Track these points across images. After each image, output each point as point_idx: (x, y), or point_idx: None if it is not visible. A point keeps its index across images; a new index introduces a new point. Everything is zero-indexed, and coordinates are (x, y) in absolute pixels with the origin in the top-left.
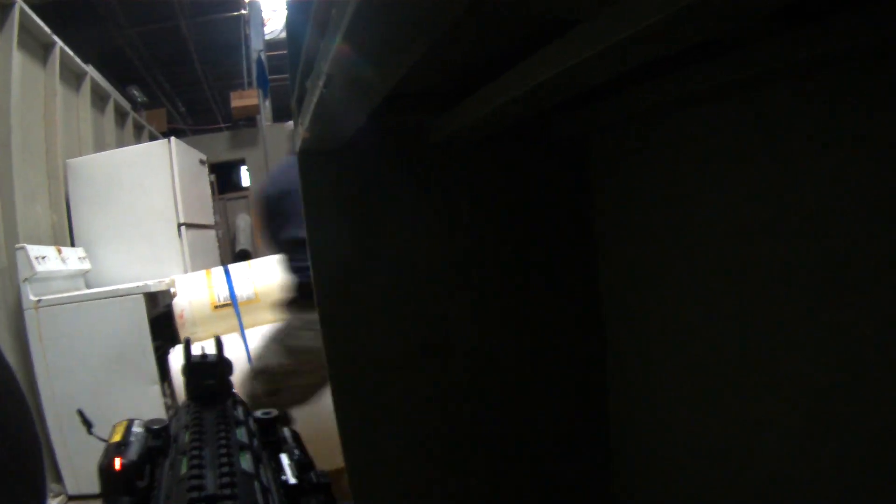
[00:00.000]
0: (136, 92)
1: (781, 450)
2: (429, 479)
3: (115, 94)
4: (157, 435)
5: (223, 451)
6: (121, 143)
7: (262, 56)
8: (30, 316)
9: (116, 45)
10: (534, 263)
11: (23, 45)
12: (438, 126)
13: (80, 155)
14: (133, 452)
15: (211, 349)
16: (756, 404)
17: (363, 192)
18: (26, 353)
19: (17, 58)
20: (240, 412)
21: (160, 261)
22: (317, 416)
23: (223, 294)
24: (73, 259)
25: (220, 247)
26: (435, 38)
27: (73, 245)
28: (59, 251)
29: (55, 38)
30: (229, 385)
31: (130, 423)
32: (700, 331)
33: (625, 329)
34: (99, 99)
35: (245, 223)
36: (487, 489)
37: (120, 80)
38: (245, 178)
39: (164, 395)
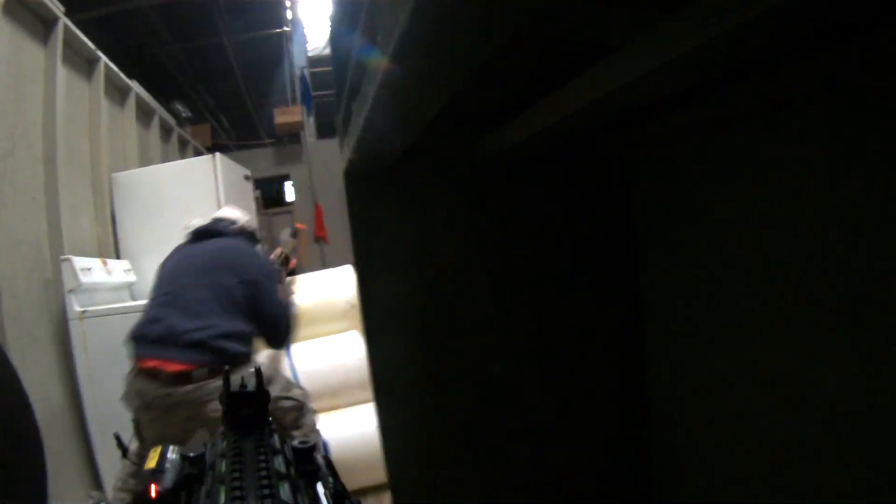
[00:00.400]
0: (180, 107)
1: (813, 465)
2: (470, 488)
3: (159, 110)
4: (194, 462)
5: (264, 480)
6: (165, 158)
7: (306, 73)
8: (74, 326)
9: (160, 61)
10: (579, 279)
11: (67, 60)
12: (484, 146)
13: (126, 169)
14: (168, 479)
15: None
16: (790, 418)
17: (409, 212)
18: (70, 363)
19: (62, 73)
20: (276, 441)
21: None
22: (358, 437)
23: None
24: (118, 271)
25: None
26: (480, 62)
27: (118, 257)
28: (105, 263)
29: (99, 53)
30: (266, 415)
31: (165, 448)
32: (736, 344)
33: (665, 342)
34: (144, 114)
35: (289, 238)
36: (528, 496)
37: (164, 95)
38: (289, 193)
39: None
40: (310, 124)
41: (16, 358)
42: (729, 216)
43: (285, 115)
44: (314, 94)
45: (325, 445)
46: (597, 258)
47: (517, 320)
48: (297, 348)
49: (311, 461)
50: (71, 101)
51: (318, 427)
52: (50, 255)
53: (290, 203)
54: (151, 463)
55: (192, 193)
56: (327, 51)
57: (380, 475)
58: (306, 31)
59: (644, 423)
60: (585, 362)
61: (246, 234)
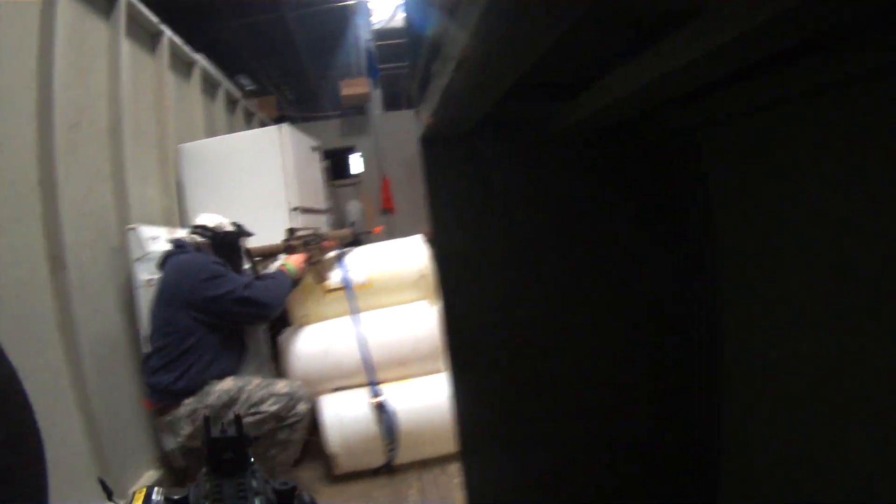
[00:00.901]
0: (244, 80)
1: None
2: (541, 465)
3: (225, 82)
4: None
5: None
6: (231, 130)
7: (371, 45)
8: (140, 294)
9: (223, 36)
10: (649, 254)
11: (131, 34)
12: (559, 116)
13: (192, 140)
14: None
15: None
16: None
17: (483, 179)
18: (136, 331)
19: (126, 46)
20: (257, 483)
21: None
22: (426, 408)
23: (337, 278)
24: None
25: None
26: (559, 33)
27: (184, 227)
28: (172, 232)
29: (163, 27)
30: (247, 458)
31: (150, 490)
32: (817, 329)
33: (740, 320)
34: (209, 86)
35: (356, 209)
36: (592, 476)
37: (228, 69)
38: (356, 164)
39: (274, 373)
40: (376, 96)
41: (83, 325)
42: (809, 192)
43: (352, 87)
44: (379, 66)
45: (392, 415)
46: (668, 234)
47: (587, 286)
48: (366, 318)
49: (290, 502)
50: (136, 75)
51: (311, 408)
52: (116, 225)
53: (357, 175)
54: None
55: (258, 164)
56: (392, 23)
57: (446, 447)
58: (370, 5)
59: (716, 392)
60: (656, 339)
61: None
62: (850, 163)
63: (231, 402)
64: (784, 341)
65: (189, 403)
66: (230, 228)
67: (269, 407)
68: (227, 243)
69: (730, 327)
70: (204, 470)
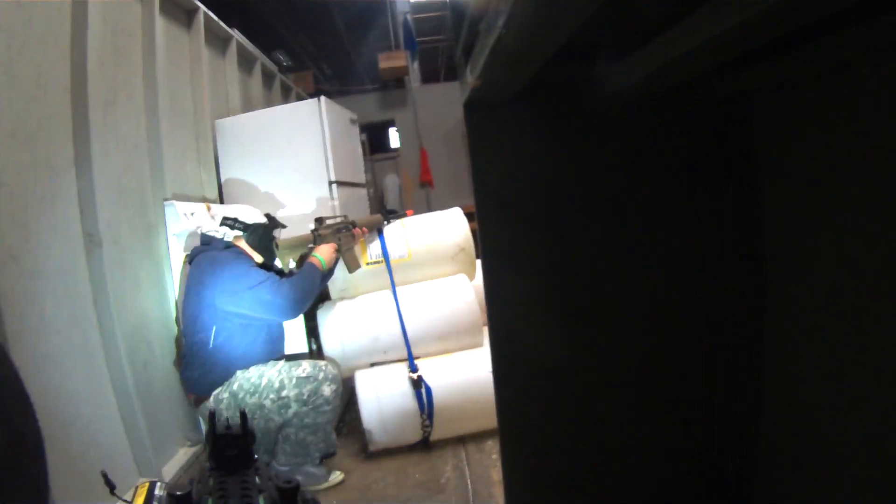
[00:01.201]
0: (280, 56)
1: None
2: (579, 445)
3: (261, 57)
4: (180, 501)
5: None
6: (268, 104)
7: (409, 18)
8: (177, 269)
9: (259, 11)
10: (696, 224)
11: (165, 11)
12: (606, 80)
13: (229, 115)
14: None
15: None
16: None
17: (529, 145)
18: (171, 307)
19: (161, 23)
20: (261, 481)
21: (311, 218)
22: (464, 384)
23: (375, 251)
24: (221, 215)
25: (370, 206)
26: None
27: (222, 202)
28: (209, 208)
29: (198, 3)
30: (251, 455)
31: (153, 485)
32: (867, 310)
33: (787, 299)
34: (245, 62)
35: (394, 183)
36: (625, 462)
37: (264, 45)
38: (393, 138)
39: (311, 349)
40: (414, 69)
41: (119, 300)
42: (864, 163)
43: (390, 60)
44: (417, 39)
45: (429, 391)
46: (716, 203)
47: (632, 260)
48: (404, 292)
49: (294, 500)
50: (171, 51)
51: (337, 389)
52: (153, 200)
53: (396, 149)
54: (139, 500)
55: (297, 137)
56: None
57: (483, 423)
58: None
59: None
60: (698, 312)
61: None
62: None
63: (254, 389)
64: (829, 329)
65: (218, 393)
66: (262, 220)
67: (290, 391)
68: (259, 236)
69: (775, 311)
70: (208, 466)
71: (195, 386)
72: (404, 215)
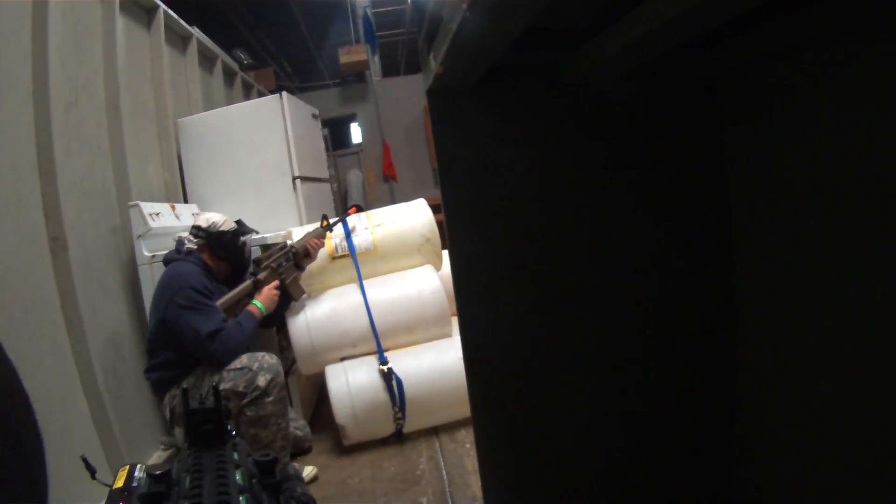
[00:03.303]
0: (241, 54)
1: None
2: (552, 431)
3: (222, 55)
4: (159, 480)
5: (223, 495)
6: (230, 103)
7: (369, 12)
8: (144, 271)
9: (219, 9)
10: (664, 207)
11: (125, 10)
12: (570, 64)
13: (191, 114)
14: (135, 498)
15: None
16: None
17: (493, 131)
18: (141, 308)
19: (121, 22)
20: (238, 455)
21: (275, 214)
22: (434, 375)
23: (341, 246)
24: (186, 215)
25: (335, 200)
26: None
27: (186, 202)
28: (173, 208)
29: (157, 1)
30: (226, 430)
31: (133, 468)
32: (838, 293)
33: (755, 275)
34: (206, 60)
35: (357, 179)
36: (598, 446)
37: (225, 44)
38: (356, 134)
39: (281, 346)
40: (375, 63)
41: (86, 305)
42: (832, 143)
43: (350, 55)
44: (377, 34)
45: (399, 382)
46: (685, 184)
47: (599, 244)
48: (371, 284)
49: (272, 473)
50: (132, 50)
51: (274, 378)
52: (117, 202)
53: (358, 144)
54: (119, 482)
55: (259, 134)
56: None
57: (454, 413)
58: None
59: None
60: (668, 296)
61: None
62: (874, 115)
63: (199, 382)
64: (797, 301)
65: (170, 392)
66: (226, 228)
67: (225, 384)
68: (222, 245)
69: (744, 289)
70: (186, 444)
71: (154, 387)
72: (347, 215)
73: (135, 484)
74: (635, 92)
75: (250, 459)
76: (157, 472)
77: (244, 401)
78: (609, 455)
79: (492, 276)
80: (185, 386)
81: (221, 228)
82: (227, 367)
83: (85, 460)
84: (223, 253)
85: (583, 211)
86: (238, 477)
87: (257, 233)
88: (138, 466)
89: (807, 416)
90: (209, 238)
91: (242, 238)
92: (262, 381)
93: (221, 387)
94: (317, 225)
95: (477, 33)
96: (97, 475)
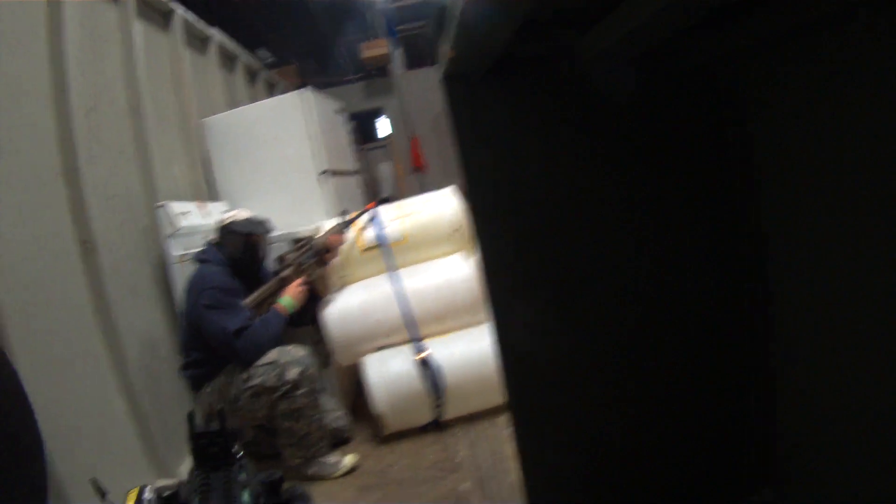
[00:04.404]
0: (264, 53)
1: None
2: (589, 413)
3: (243, 54)
4: (168, 501)
5: None
6: (253, 101)
7: (388, 6)
8: (175, 270)
9: (239, 10)
10: (687, 191)
11: (142, 14)
12: (584, 47)
13: (214, 114)
14: None
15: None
16: None
17: (510, 116)
18: (173, 307)
19: (138, 27)
20: (245, 476)
21: (304, 208)
22: (469, 361)
23: (371, 236)
24: (215, 213)
25: (364, 193)
26: None
27: (215, 200)
28: (202, 206)
29: (173, 5)
30: (231, 451)
31: (142, 489)
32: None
33: (786, 261)
34: (227, 59)
35: (387, 172)
36: (639, 432)
37: (246, 44)
38: (383, 127)
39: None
40: (397, 56)
41: (118, 307)
42: (853, 124)
43: (372, 49)
44: (398, 28)
45: (436, 370)
46: (706, 170)
47: (618, 231)
48: (403, 274)
49: (278, 492)
50: (151, 54)
51: (305, 370)
52: (144, 204)
53: (386, 137)
54: (129, 503)
55: (283, 130)
56: None
57: (493, 399)
58: None
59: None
60: (693, 283)
61: (219, 244)
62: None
63: (228, 382)
64: (831, 300)
65: (204, 388)
66: (237, 220)
67: (255, 380)
68: (235, 242)
69: (777, 267)
70: (194, 465)
71: (189, 383)
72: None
73: None
74: (653, 74)
75: (256, 480)
76: (167, 493)
77: (276, 395)
78: (645, 437)
79: (517, 264)
80: (214, 385)
81: (230, 221)
82: (256, 364)
83: (95, 483)
84: (238, 250)
85: (608, 199)
86: (245, 497)
87: (270, 230)
88: (147, 488)
89: (848, 393)
90: (222, 235)
91: (249, 231)
92: (292, 374)
93: (252, 382)
94: (338, 220)
95: (480, 19)
96: (109, 495)
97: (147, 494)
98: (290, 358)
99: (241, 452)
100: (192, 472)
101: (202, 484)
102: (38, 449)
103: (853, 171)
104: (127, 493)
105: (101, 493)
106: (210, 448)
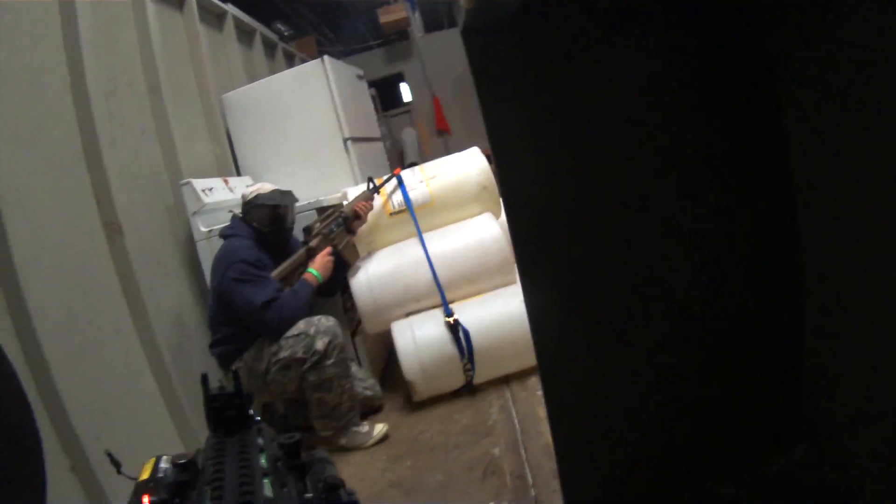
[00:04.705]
0: (280, 26)
1: None
2: (616, 378)
3: (260, 28)
4: (184, 469)
5: (244, 479)
6: (273, 73)
7: None
8: (202, 247)
9: None
10: (716, 142)
11: None
12: None
13: (234, 89)
14: (161, 489)
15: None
16: None
17: (533, 67)
18: (202, 284)
19: (152, 8)
20: (262, 440)
21: (330, 177)
22: (500, 323)
23: (398, 200)
24: (240, 188)
25: (389, 159)
26: None
27: (239, 174)
28: (226, 182)
29: None
30: (249, 415)
31: (159, 459)
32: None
33: (820, 225)
34: (244, 34)
35: (411, 137)
36: (670, 396)
37: (263, 18)
38: (405, 92)
39: (345, 307)
40: (416, 19)
41: (147, 286)
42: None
43: (390, 14)
44: None
45: (466, 333)
46: (733, 114)
47: (644, 185)
48: (431, 237)
49: (297, 456)
50: (167, 34)
51: (332, 340)
52: (169, 182)
53: (408, 103)
54: (145, 474)
55: (305, 100)
56: None
57: (524, 360)
58: None
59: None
60: (730, 235)
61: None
62: None
63: (257, 357)
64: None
65: (234, 364)
66: (262, 192)
67: (284, 352)
68: (262, 215)
69: (807, 226)
70: (210, 430)
71: (219, 360)
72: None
73: (161, 474)
74: (678, 20)
75: (275, 443)
76: (183, 461)
77: (305, 366)
78: (678, 401)
79: (549, 222)
80: (245, 359)
81: (254, 195)
82: (285, 336)
83: (109, 454)
84: (262, 223)
85: (640, 148)
86: (262, 461)
87: (295, 201)
88: (164, 457)
89: (880, 349)
90: (244, 209)
91: (275, 203)
92: (320, 344)
93: (281, 355)
94: (364, 187)
95: None
96: (123, 469)
97: (163, 463)
98: (318, 328)
99: (259, 416)
100: (208, 438)
101: (217, 449)
102: (36, 449)
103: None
104: (143, 464)
105: (117, 466)
106: (225, 411)
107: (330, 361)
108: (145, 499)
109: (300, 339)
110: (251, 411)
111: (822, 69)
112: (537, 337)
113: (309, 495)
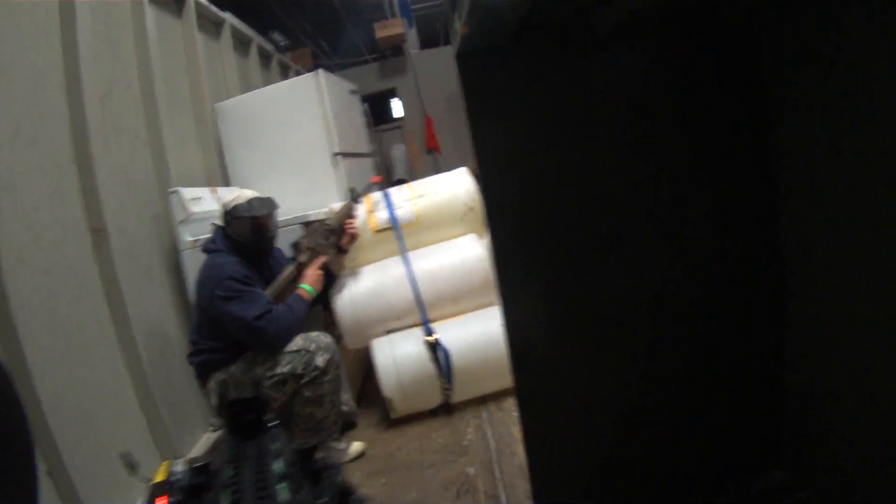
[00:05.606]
0: (277, 36)
1: None
2: (592, 399)
3: (257, 38)
4: (200, 471)
5: (261, 483)
6: (267, 84)
7: None
8: (187, 256)
9: None
10: (705, 159)
11: (154, 0)
12: (601, 17)
13: (228, 98)
14: (176, 491)
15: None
16: None
17: (525, 93)
18: (185, 293)
19: (151, 13)
20: (279, 444)
21: (317, 191)
22: (481, 343)
23: (384, 218)
24: (228, 198)
25: (377, 174)
26: None
27: (228, 185)
28: (214, 191)
29: None
30: (264, 420)
31: (174, 461)
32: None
33: (802, 234)
34: (241, 43)
35: (401, 153)
36: (642, 408)
37: (260, 27)
38: (397, 108)
39: (326, 322)
40: (412, 36)
41: (130, 293)
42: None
43: (386, 29)
44: (413, 7)
45: (446, 353)
46: (724, 138)
47: (641, 196)
48: (415, 256)
49: (310, 458)
50: (164, 40)
51: (332, 358)
52: (158, 189)
53: (400, 118)
54: (160, 476)
55: (297, 113)
56: None
57: (503, 381)
58: None
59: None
60: (713, 243)
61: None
62: None
63: (249, 367)
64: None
65: (215, 377)
66: (241, 203)
67: (283, 368)
68: (242, 226)
69: (790, 236)
70: (227, 434)
71: (197, 370)
72: (371, 185)
73: (176, 477)
74: (671, 44)
75: (290, 448)
76: (198, 464)
77: (302, 382)
78: (653, 423)
79: (529, 247)
80: (232, 372)
81: (233, 206)
82: (283, 351)
83: (127, 457)
84: (243, 233)
85: (625, 168)
86: (278, 465)
87: (275, 208)
88: (178, 460)
89: (857, 377)
90: (226, 219)
91: (253, 214)
92: (321, 361)
93: (278, 370)
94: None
95: None
96: (140, 469)
97: (179, 466)
98: (318, 345)
99: (277, 422)
100: (225, 442)
101: (234, 453)
102: (28, 447)
103: (875, 168)
104: (159, 467)
105: (132, 467)
106: (243, 416)
107: (328, 377)
108: (161, 501)
109: (300, 356)
110: (267, 416)
111: (810, 78)
112: (514, 355)
113: (324, 500)
